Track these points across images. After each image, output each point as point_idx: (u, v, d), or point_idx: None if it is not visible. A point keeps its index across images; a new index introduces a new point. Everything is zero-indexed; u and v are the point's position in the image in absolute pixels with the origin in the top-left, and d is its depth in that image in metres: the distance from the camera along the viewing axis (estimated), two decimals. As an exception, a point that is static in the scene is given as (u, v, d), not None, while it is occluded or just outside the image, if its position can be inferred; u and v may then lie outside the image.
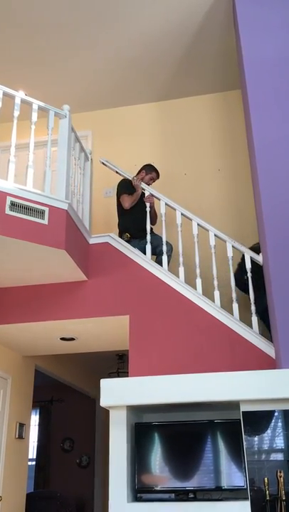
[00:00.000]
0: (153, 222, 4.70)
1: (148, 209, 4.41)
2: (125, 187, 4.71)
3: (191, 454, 2.92)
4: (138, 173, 4.84)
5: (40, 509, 6.01)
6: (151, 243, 4.33)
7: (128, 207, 4.62)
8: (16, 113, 3.90)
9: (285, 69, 3.95)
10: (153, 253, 4.42)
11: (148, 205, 4.43)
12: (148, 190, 4.53)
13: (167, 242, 4.39)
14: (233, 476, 2.84)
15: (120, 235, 4.52)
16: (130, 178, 4.70)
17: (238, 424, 2.89)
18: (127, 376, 4.21)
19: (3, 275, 4.11)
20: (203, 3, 4.68)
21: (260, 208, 3.59)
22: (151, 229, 4.62)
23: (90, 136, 5.97)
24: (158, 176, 4.90)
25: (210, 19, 4.86)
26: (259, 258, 3.96)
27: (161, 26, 4.94)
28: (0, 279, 4.18)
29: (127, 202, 4.63)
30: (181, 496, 2.90)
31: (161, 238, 4.32)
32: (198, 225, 4.17)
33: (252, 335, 3.69)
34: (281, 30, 4.12)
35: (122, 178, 4.80)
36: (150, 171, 4.83)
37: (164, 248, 4.19)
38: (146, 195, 4.53)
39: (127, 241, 4.42)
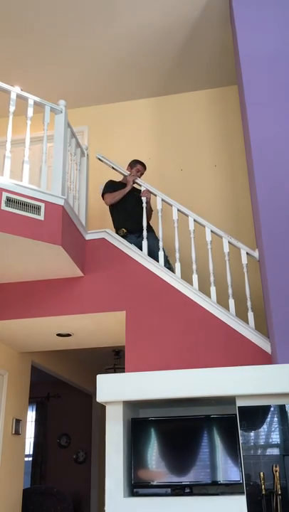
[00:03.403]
0: (148, 217, 4.69)
1: (144, 204, 4.40)
2: (108, 187, 4.73)
3: (187, 449, 2.93)
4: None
5: (37, 505, 6.01)
6: (147, 240, 4.31)
7: (108, 203, 4.64)
8: (12, 108, 3.88)
9: (282, 64, 3.95)
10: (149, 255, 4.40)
11: (144, 200, 4.42)
12: (144, 185, 4.52)
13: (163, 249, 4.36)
14: (229, 471, 2.85)
15: (116, 232, 4.52)
16: (126, 174, 4.69)
17: (234, 419, 2.90)
18: (124, 372, 4.22)
19: (-1, 271, 4.10)
20: (200, -2, 4.68)
21: (257, 204, 3.59)
22: (148, 225, 4.61)
23: (86, 132, 5.96)
24: (144, 168, 4.88)
25: (206, 14, 4.84)
26: (255, 254, 3.97)
27: (158, 21, 4.93)
28: (-4, 275, 4.18)
29: (107, 198, 4.66)
30: (178, 490, 2.91)
31: (156, 239, 4.29)
32: (194, 220, 4.17)
33: (248, 330, 3.70)
34: (277, 26, 4.12)
35: (118, 173, 4.79)
36: (134, 165, 4.83)
37: (161, 253, 4.15)
38: (142, 190, 4.52)
39: (124, 236, 4.42)
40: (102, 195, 4.74)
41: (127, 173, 4.71)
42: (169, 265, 4.34)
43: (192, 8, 4.79)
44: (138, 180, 4.59)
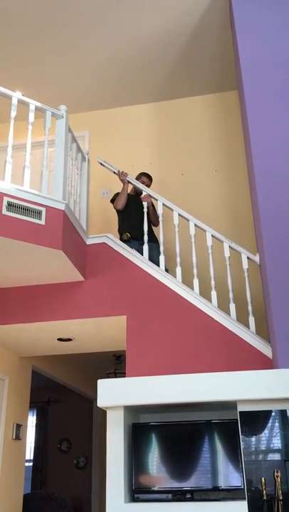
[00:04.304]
0: (154, 223, 4.69)
1: (145, 209, 4.41)
2: (114, 196, 4.83)
3: (188, 454, 2.92)
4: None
5: (37, 510, 5.99)
6: (150, 251, 4.31)
7: (120, 207, 4.69)
8: (13, 113, 3.89)
9: (282, 69, 3.96)
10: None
11: (145, 204, 4.43)
12: (145, 190, 4.53)
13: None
14: (230, 476, 2.84)
15: (120, 237, 4.53)
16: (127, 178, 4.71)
17: (235, 425, 2.89)
18: (124, 376, 4.22)
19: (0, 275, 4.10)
20: (200, 4, 4.70)
21: (257, 208, 3.60)
22: (153, 233, 4.62)
23: (87, 137, 5.98)
24: (149, 180, 4.92)
25: (207, 20, 4.86)
26: (256, 258, 3.97)
27: (159, 27, 4.95)
28: (-3, 280, 4.18)
29: (117, 205, 4.72)
30: (179, 496, 2.90)
31: (159, 251, 4.29)
32: (195, 225, 4.18)
33: (249, 335, 3.70)
34: (277, 30, 4.13)
35: (118, 179, 4.80)
36: (139, 177, 4.87)
37: (162, 258, 4.15)
38: (143, 194, 4.54)
39: (127, 240, 4.43)
40: (114, 204, 4.80)
41: (127, 177, 4.72)
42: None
43: (192, 14, 4.81)
44: (129, 178, 4.63)
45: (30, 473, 7.63)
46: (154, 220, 4.68)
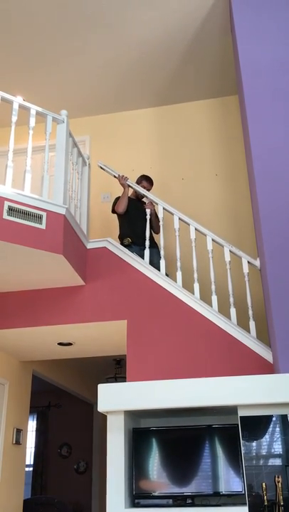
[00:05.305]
0: (155, 230, 4.69)
1: (148, 216, 4.41)
2: (115, 200, 4.81)
3: (188, 459, 2.91)
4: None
5: (38, 515, 5.97)
6: (150, 257, 4.32)
7: (121, 210, 4.65)
8: (14, 118, 3.91)
9: (282, 74, 3.97)
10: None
11: (148, 212, 4.43)
12: (146, 195, 4.54)
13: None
14: (231, 482, 2.83)
15: (121, 242, 4.53)
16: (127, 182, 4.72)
17: (236, 429, 2.88)
18: (125, 381, 4.21)
19: (0, 280, 4.10)
20: (201, 9, 4.72)
21: (257, 211, 3.60)
22: (153, 239, 4.62)
23: (87, 141, 6.00)
24: (150, 184, 4.89)
25: (207, 25, 4.89)
26: (256, 263, 3.97)
27: (159, 32, 4.97)
28: (-3, 284, 4.18)
29: (118, 208, 4.69)
30: (179, 501, 2.89)
31: (159, 257, 4.29)
32: (195, 229, 4.18)
33: (249, 339, 3.69)
34: (278, 35, 4.15)
35: (119, 183, 4.81)
36: (140, 181, 4.86)
37: (162, 263, 4.15)
38: (146, 202, 4.56)
39: (128, 245, 4.43)
40: (114, 211, 4.78)
41: (128, 181, 4.73)
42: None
43: (193, 19, 4.83)
44: (129, 182, 4.63)
45: (30, 478, 7.61)
46: (155, 228, 4.68)
